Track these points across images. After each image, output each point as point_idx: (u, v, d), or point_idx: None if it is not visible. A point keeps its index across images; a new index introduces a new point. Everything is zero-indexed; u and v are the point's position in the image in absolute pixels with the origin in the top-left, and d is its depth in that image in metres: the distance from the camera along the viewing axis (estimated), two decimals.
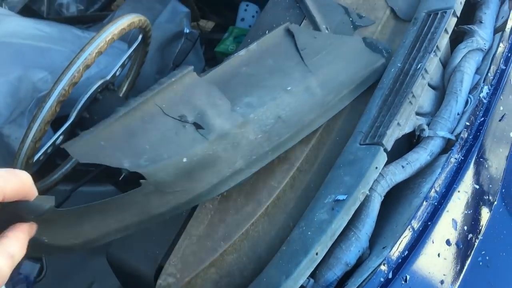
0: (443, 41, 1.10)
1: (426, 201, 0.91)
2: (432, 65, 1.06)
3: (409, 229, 0.88)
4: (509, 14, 1.18)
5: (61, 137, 1.16)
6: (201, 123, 0.92)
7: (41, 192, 1.23)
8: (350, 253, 0.88)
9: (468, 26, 1.18)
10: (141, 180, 0.82)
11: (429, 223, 0.89)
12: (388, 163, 0.96)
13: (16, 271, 1.35)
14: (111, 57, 1.50)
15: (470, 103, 1.05)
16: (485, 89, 1.05)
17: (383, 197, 0.94)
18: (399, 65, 1.09)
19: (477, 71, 1.11)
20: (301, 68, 1.06)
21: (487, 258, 0.90)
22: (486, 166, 0.98)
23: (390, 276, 0.84)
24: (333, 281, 0.86)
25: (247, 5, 2.05)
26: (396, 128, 0.97)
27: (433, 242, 0.87)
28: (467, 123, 1.01)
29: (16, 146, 1.14)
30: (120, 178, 1.11)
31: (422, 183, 0.97)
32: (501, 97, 1.05)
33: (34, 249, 0.59)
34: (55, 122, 1.12)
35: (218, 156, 0.89)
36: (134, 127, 0.90)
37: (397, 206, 0.97)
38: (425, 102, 1.07)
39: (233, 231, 0.89)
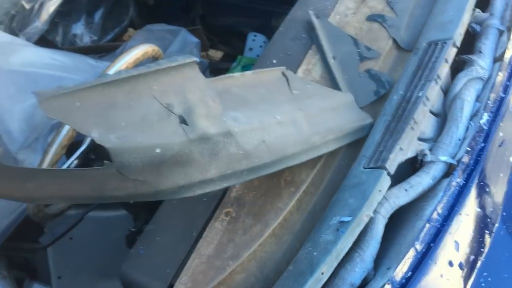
0: (444, 70, 1.15)
1: (428, 224, 0.94)
2: (433, 93, 1.11)
3: (413, 251, 0.90)
4: (507, 44, 1.23)
5: (75, 162, 1.20)
6: (187, 119, 0.87)
7: (54, 216, 1.27)
8: (355, 274, 0.90)
9: (468, 56, 1.23)
10: (105, 161, 0.78)
11: (431, 244, 0.91)
12: (391, 186, 0.99)
13: None
14: None
15: (471, 129, 1.08)
16: (485, 116, 1.09)
17: (387, 220, 0.97)
18: (401, 92, 1.13)
19: (477, 98, 1.15)
20: (291, 104, 1.06)
21: (489, 279, 0.92)
22: (487, 190, 1.01)
23: None
24: None
25: (255, 36, 2.12)
26: (399, 153, 1.01)
27: (436, 263, 0.90)
28: (468, 149, 1.04)
29: None
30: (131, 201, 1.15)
31: (425, 206, 1.00)
32: (501, 124, 1.09)
33: None
34: (69, 147, 1.16)
35: (193, 158, 0.85)
36: (116, 99, 0.84)
37: (400, 229, 1.00)
38: (427, 128, 1.11)
39: (241, 251, 0.92)
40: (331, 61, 1.24)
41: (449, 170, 1.04)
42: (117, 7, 2.33)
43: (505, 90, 1.14)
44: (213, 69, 2.14)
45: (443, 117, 1.15)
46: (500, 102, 1.12)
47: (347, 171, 1.04)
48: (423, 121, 1.08)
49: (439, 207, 0.96)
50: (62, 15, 2.16)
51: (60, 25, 2.21)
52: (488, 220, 0.98)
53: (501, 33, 1.28)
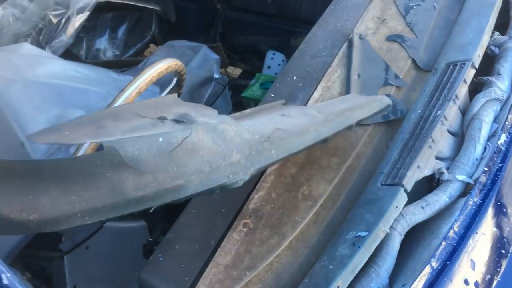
0: (462, 90, 1.16)
1: (445, 242, 0.94)
2: (451, 113, 1.12)
3: (428, 268, 0.91)
4: None
5: None
6: (183, 119, 0.83)
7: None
8: None
9: (487, 77, 1.24)
10: (105, 146, 0.71)
11: (447, 262, 0.92)
12: (408, 204, 1.00)
13: None
14: (144, 99, 1.60)
15: (488, 149, 1.09)
16: (503, 137, 1.10)
17: (403, 236, 0.97)
18: (419, 111, 1.14)
19: (495, 119, 1.16)
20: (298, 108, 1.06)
21: None
22: (504, 210, 1.01)
23: None
24: None
25: (273, 54, 2.16)
26: (416, 171, 1.02)
27: (451, 281, 0.90)
28: (485, 168, 1.05)
29: None
30: (151, 211, 1.17)
31: (441, 224, 1.01)
32: None
33: None
34: None
35: (206, 145, 0.80)
36: (104, 122, 0.79)
37: (416, 246, 1.00)
38: (444, 147, 1.12)
39: (258, 262, 0.93)
40: (354, 78, 1.26)
41: (466, 190, 1.04)
42: (140, 23, 2.39)
43: None
44: (231, 86, 2.17)
45: (460, 137, 1.16)
46: None
47: (364, 187, 1.06)
48: (441, 140, 1.09)
49: (455, 226, 0.96)
50: (87, 30, 2.22)
51: (84, 40, 2.27)
52: (505, 240, 0.98)
53: None
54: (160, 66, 1.19)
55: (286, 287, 0.93)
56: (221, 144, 0.82)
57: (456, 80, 1.17)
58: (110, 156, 0.70)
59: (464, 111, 1.19)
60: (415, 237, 1.03)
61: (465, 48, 1.26)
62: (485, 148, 1.10)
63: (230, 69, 2.43)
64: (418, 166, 1.03)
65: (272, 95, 1.23)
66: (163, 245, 0.98)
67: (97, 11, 1.98)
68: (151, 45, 2.43)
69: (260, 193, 1.03)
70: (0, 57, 1.60)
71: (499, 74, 1.24)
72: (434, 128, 1.08)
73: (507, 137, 1.10)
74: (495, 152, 1.07)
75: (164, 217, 1.16)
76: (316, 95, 1.22)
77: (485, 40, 1.28)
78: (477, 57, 1.23)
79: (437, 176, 1.06)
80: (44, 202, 0.64)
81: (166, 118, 0.83)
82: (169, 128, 0.80)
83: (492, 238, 0.97)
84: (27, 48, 1.76)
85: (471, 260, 0.93)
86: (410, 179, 1.01)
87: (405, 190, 0.99)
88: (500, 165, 1.06)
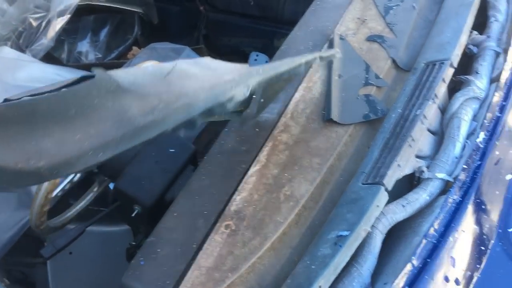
0: (441, 89, 1.17)
1: (425, 239, 0.95)
2: (431, 112, 1.13)
3: (410, 266, 0.92)
4: (504, 66, 1.26)
5: (78, 175, 1.22)
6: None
7: (55, 229, 1.28)
8: None
9: (466, 76, 1.25)
10: (96, 75, 0.64)
11: (428, 260, 0.93)
12: (389, 202, 1.01)
13: None
14: None
15: (468, 147, 1.10)
16: (482, 135, 1.11)
17: (384, 235, 0.98)
18: (399, 111, 1.15)
19: (474, 118, 1.17)
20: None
21: None
22: (483, 207, 1.02)
23: None
24: None
25: (257, 55, 2.15)
26: (396, 169, 1.03)
27: (432, 279, 0.91)
28: (465, 166, 1.06)
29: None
30: (133, 215, 1.16)
31: (422, 222, 1.01)
32: (497, 143, 1.11)
33: None
34: None
35: (195, 73, 0.77)
36: None
37: (398, 244, 1.01)
38: (424, 146, 1.13)
39: (240, 263, 0.93)
40: (335, 78, 1.26)
41: (446, 187, 1.05)
42: (122, 25, 2.37)
43: (501, 110, 1.16)
44: None
45: (440, 135, 1.17)
46: (496, 121, 1.14)
47: (346, 186, 1.06)
48: (421, 139, 1.10)
49: (435, 223, 0.97)
50: (68, 33, 2.20)
51: (66, 43, 2.25)
52: (484, 237, 0.99)
53: (497, 54, 1.31)
54: None
55: None
56: (208, 71, 0.81)
57: (435, 80, 1.18)
58: (105, 83, 0.64)
59: (443, 110, 1.20)
60: (397, 235, 1.03)
61: (444, 48, 1.27)
62: (464, 146, 1.11)
63: None
64: (399, 165, 1.04)
65: (254, 96, 1.23)
66: (144, 248, 0.98)
67: (78, 13, 1.96)
68: (134, 48, 2.42)
69: (242, 195, 1.03)
70: None
71: (477, 73, 1.26)
72: (414, 127, 1.09)
73: (485, 135, 1.11)
74: (474, 150, 1.08)
75: (147, 220, 1.15)
76: (297, 95, 1.22)
77: (463, 40, 1.29)
78: (456, 56, 1.24)
79: (417, 175, 1.07)
80: (49, 146, 0.59)
81: None
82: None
83: (472, 235, 0.98)
84: (7, 51, 1.75)
85: (451, 257, 0.94)
86: (391, 178, 1.01)
87: (386, 189, 0.99)
88: (479, 162, 1.07)
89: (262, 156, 1.10)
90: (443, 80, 1.18)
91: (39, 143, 0.59)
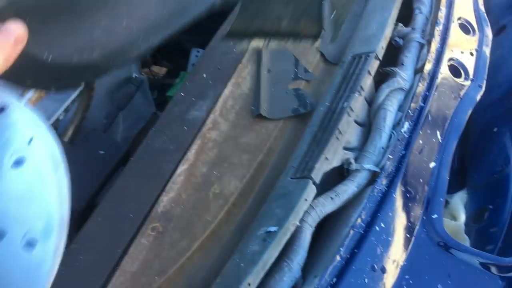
0: (367, 81, 1.19)
1: (352, 230, 0.96)
2: (357, 104, 1.14)
3: (338, 257, 0.93)
4: (427, 57, 1.29)
5: None
6: None
7: None
8: (284, 283, 0.91)
9: (391, 68, 1.28)
10: None
11: (355, 250, 0.94)
12: (319, 196, 1.01)
13: None
14: (56, 102, 1.53)
15: (394, 138, 1.13)
16: (406, 125, 1.14)
17: (314, 228, 0.98)
18: (327, 104, 1.16)
19: (400, 108, 1.20)
20: None
21: (411, 282, 0.94)
22: (408, 195, 1.05)
23: None
24: None
25: (198, 51, 2.12)
26: (324, 162, 1.04)
27: (359, 269, 0.92)
28: (390, 156, 1.08)
29: None
30: None
31: (351, 213, 1.03)
32: (421, 132, 1.14)
33: (35, 75, 0.48)
34: None
35: None
36: None
37: (329, 237, 1.02)
38: (352, 138, 1.14)
39: (168, 266, 0.91)
40: (264, 73, 1.26)
41: (373, 178, 1.07)
42: None
43: (425, 100, 1.19)
44: (157, 85, 2.12)
45: (367, 127, 1.19)
46: (420, 111, 1.17)
47: (275, 182, 1.06)
48: (348, 131, 1.11)
49: (363, 214, 0.99)
50: None
51: None
52: (410, 224, 1.01)
53: (422, 46, 1.35)
54: None
55: None
56: None
57: (361, 72, 1.20)
58: None
59: (370, 102, 1.22)
60: (328, 228, 1.04)
61: (370, 41, 1.29)
62: (390, 137, 1.14)
63: (156, 69, 2.37)
64: (326, 158, 1.04)
65: (182, 94, 1.21)
66: (66, 257, 0.93)
67: None
68: None
69: (169, 195, 1.01)
70: None
71: (402, 64, 1.29)
72: (341, 120, 1.10)
73: (409, 125, 1.13)
74: (398, 140, 1.10)
75: (74, 225, 1.10)
76: (226, 91, 1.21)
77: (388, 32, 1.32)
78: (381, 49, 1.26)
79: (345, 167, 1.09)
80: (99, 36, 0.57)
81: None
82: None
83: (398, 223, 1.00)
84: None
85: (378, 246, 0.95)
86: (319, 171, 1.02)
87: (314, 182, 1.00)
88: (403, 152, 1.09)
89: (191, 155, 1.08)
90: (369, 73, 1.20)
91: (89, 34, 0.57)
